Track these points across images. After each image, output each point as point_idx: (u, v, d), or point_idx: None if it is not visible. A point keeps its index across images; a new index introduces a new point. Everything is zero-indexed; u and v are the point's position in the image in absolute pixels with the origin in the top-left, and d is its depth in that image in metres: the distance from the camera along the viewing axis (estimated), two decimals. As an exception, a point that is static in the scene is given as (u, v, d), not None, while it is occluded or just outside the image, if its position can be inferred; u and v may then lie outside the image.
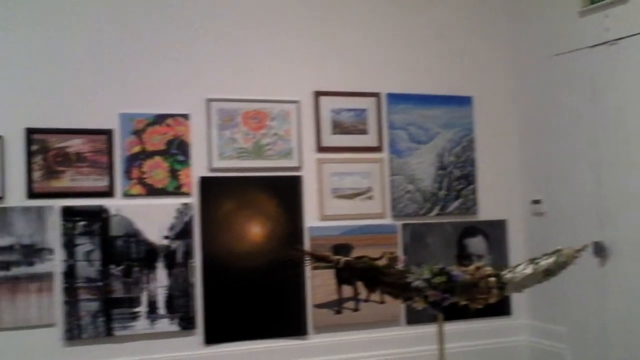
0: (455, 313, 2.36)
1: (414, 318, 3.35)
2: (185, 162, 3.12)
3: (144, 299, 3.03)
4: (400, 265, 3.15)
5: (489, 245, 3.56)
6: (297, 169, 3.28)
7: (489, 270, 2.33)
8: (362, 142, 3.39)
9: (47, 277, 2.91)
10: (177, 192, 3.10)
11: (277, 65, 3.29)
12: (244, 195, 3.18)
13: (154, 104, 3.11)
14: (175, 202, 3.09)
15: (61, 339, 2.92)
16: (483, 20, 3.68)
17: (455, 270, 2.34)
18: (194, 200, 3.12)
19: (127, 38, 3.08)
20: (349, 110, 3.37)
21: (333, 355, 3.23)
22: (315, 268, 3.16)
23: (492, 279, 2.30)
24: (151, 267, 3.05)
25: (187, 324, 3.07)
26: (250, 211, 3.18)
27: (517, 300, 3.53)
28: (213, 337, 3.10)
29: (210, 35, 3.20)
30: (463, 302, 2.32)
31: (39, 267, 2.91)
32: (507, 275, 2.33)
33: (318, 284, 3.25)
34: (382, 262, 3.07)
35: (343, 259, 2.58)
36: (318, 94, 3.33)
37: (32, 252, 2.90)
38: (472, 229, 3.53)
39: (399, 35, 3.51)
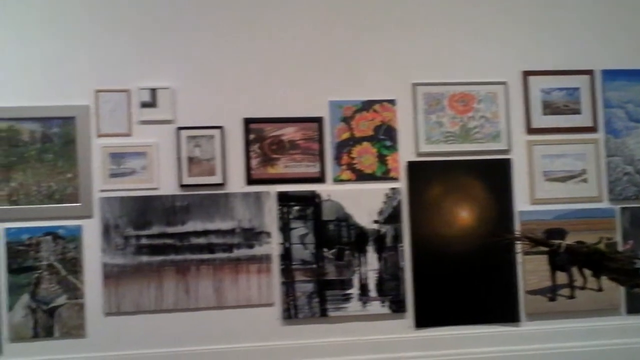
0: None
1: (636, 307, 3.16)
2: (392, 147, 3.14)
3: (356, 281, 3.09)
4: (624, 251, 2.99)
5: None
6: (505, 151, 3.19)
7: None
8: (575, 122, 3.23)
9: (265, 259, 3.05)
10: (385, 177, 3.13)
11: (483, 46, 3.22)
12: (451, 179, 3.15)
13: (361, 91, 3.15)
14: (384, 186, 3.12)
15: (279, 318, 3.06)
16: None
17: (689, 257, 2.16)
18: (401, 184, 3.14)
19: (335, 29, 3.15)
20: (560, 89, 3.22)
21: (547, 343, 3.13)
22: (527, 253, 3.08)
23: None
24: (362, 251, 3.10)
25: (397, 307, 3.10)
26: (458, 195, 3.15)
27: None
28: (423, 320, 3.11)
29: (414, 19, 3.19)
30: (698, 291, 2.14)
31: (258, 250, 3.05)
32: None
33: (530, 269, 3.16)
34: (602, 247, 2.94)
35: (564, 243, 2.47)
36: (527, 73, 3.22)
37: (252, 235, 3.05)
38: (700, 214, 3.26)
39: (613, 7, 3.29)
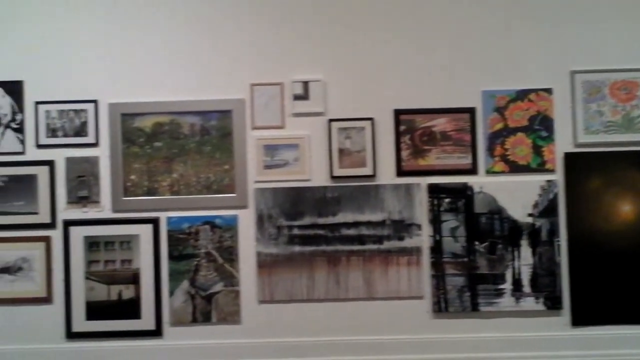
0: None
1: None
2: (548, 138, 3.03)
3: (509, 276, 3.01)
4: None
5: None
6: (673, 141, 3.01)
7: None
8: None
9: (415, 251, 3.03)
10: (540, 168, 3.03)
11: (647, 29, 3.04)
12: (612, 171, 3.01)
13: (515, 80, 3.06)
14: (539, 179, 3.02)
15: (429, 311, 3.03)
16: None
17: None
18: (558, 177, 3.02)
19: (488, 16, 3.08)
20: None
21: None
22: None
23: None
24: (515, 245, 3.02)
25: (553, 304, 3.00)
26: (620, 188, 3.00)
27: None
28: (581, 318, 3.00)
29: (572, 4, 3.05)
30: None
31: (408, 242, 3.04)
32: None
33: (699, 268, 2.96)
34: None
35: None
36: (698, 57, 3.01)
37: (402, 227, 3.04)
38: None
39: None
